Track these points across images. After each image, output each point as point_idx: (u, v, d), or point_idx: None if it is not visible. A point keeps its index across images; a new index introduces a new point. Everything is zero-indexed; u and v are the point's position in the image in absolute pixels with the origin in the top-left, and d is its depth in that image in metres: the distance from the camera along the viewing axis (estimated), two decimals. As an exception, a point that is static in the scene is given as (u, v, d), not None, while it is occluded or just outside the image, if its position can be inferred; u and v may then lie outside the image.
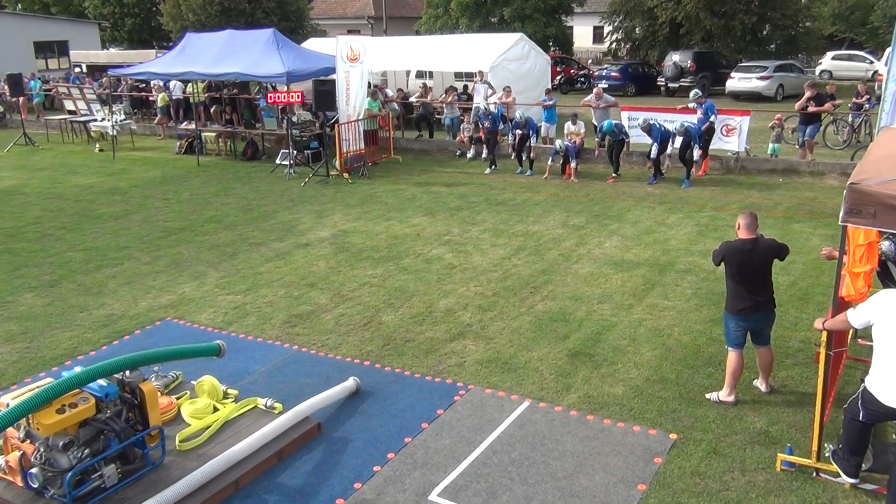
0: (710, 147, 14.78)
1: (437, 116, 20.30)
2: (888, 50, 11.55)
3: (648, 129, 14.31)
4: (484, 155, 16.46)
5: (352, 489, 5.20)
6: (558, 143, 15.21)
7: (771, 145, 15.56)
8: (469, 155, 16.06)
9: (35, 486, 4.69)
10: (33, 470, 4.67)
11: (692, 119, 14.41)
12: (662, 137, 14.27)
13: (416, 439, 5.78)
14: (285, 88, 16.41)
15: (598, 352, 7.17)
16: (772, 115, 16.55)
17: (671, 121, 15.00)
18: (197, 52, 18.10)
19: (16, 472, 4.81)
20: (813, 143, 15.26)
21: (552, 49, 36.10)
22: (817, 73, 34.59)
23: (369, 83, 17.81)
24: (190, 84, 20.74)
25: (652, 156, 14.35)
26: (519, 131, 15.58)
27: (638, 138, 15.04)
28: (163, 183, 15.72)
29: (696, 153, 13.84)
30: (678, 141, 14.07)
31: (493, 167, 15.97)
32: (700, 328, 7.63)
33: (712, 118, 14.39)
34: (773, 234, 9.84)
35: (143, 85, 24.06)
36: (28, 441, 4.80)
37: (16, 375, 6.96)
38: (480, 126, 16.38)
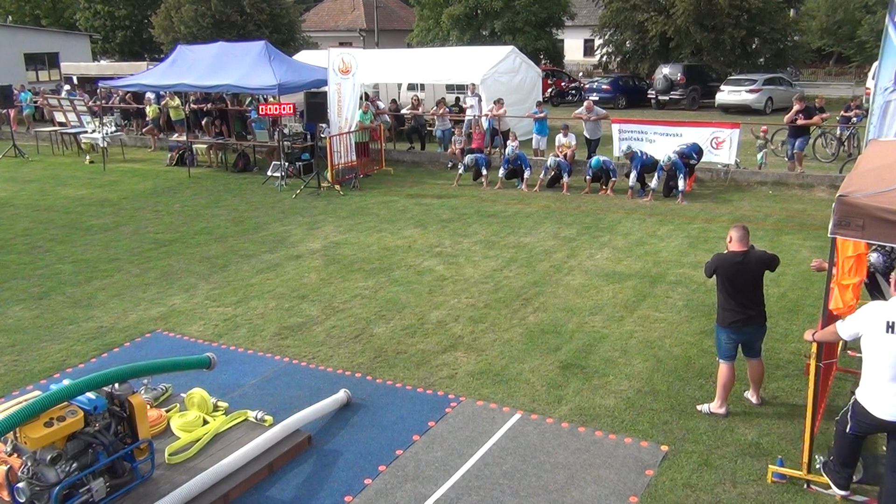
0: (701, 159, 14.86)
1: (428, 129, 20.36)
2: (875, 64, 11.69)
3: (630, 157, 14.40)
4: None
5: (343, 502, 5.16)
6: (550, 160, 15.24)
7: (759, 155, 15.71)
8: (459, 168, 16.08)
9: (22, 500, 4.63)
10: (20, 484, 4.61)
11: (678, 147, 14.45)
12: (644, 164, 14.37)
13: (408, 452, 5.76)
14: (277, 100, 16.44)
15: (589, 363, 7.17)
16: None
17: (664, 133, 15.10)
18: (188, 64, 18.11)
19: (2, 486, 4.75)
20: (802, 155, 15.38)
21: (543, 62, 36.32)
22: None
23: (364, 94, 17.82)
24: (167, 100, 20.87)
25: (631, 183, 14.34)
26: (510, 165, 15.55)
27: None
28: (153, 195, 15.67)
29: (681, 184, 13.83)
30: (663, 175, 14.10)
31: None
32: (691, 340, 7.65)
33: (693, 160, 14.50)
34: (763, 245, 9.88)
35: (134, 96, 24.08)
36: (15, 455, 4.75)
37: (3, 388, 6.90)
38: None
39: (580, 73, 40.20)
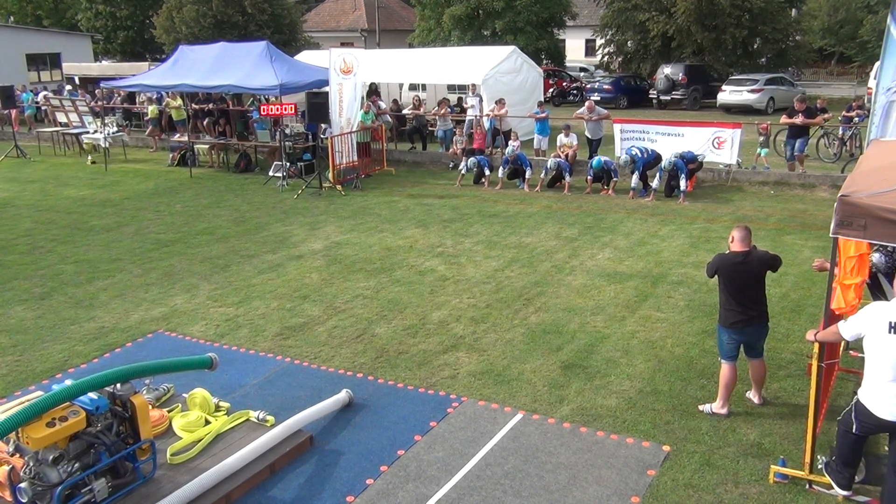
0: (704, 161, 14.87)
1: (430, 129, 20.36)
2: (877, 64, 11.68)
3: (632, 162, 14.36)
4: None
5: (344, 503, 5.17)
6: (550, 161, 15.22)
7: (762, 150, 15.70)
8: (461, 168, 16.07)
9: (24, 500, 4.64)
10: (23, 484, 4.61)
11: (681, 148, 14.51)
12: (646, 161, 14.36)
13: (409, 452, 5.76)
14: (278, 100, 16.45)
15: (591, 364, 7.17)
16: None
17: (666, 133, 15.09)
18: (190, 64, 18.13)
19: (5, 486, 4.76)
20: (804, 156, 15.35)
21: (544, 62, 36.30)
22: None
23: (371, 89, 17.70)
24: (168, 100, 20.93)
25: (633, 184, 14.32)
26: (510, 165, 15.54)
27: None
28: (155, 195, 15.68)
29: (683, 184, 13.83)
30: (665, 175, 14.13)
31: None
32: (693, 340, 7.64)
33: (700, 158, 14.54)
34: (765, 246, 9.86)
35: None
36: (17, 455, 4.76)
37: (6, 389, 6.91)
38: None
39: (582, 73, 40.00)
